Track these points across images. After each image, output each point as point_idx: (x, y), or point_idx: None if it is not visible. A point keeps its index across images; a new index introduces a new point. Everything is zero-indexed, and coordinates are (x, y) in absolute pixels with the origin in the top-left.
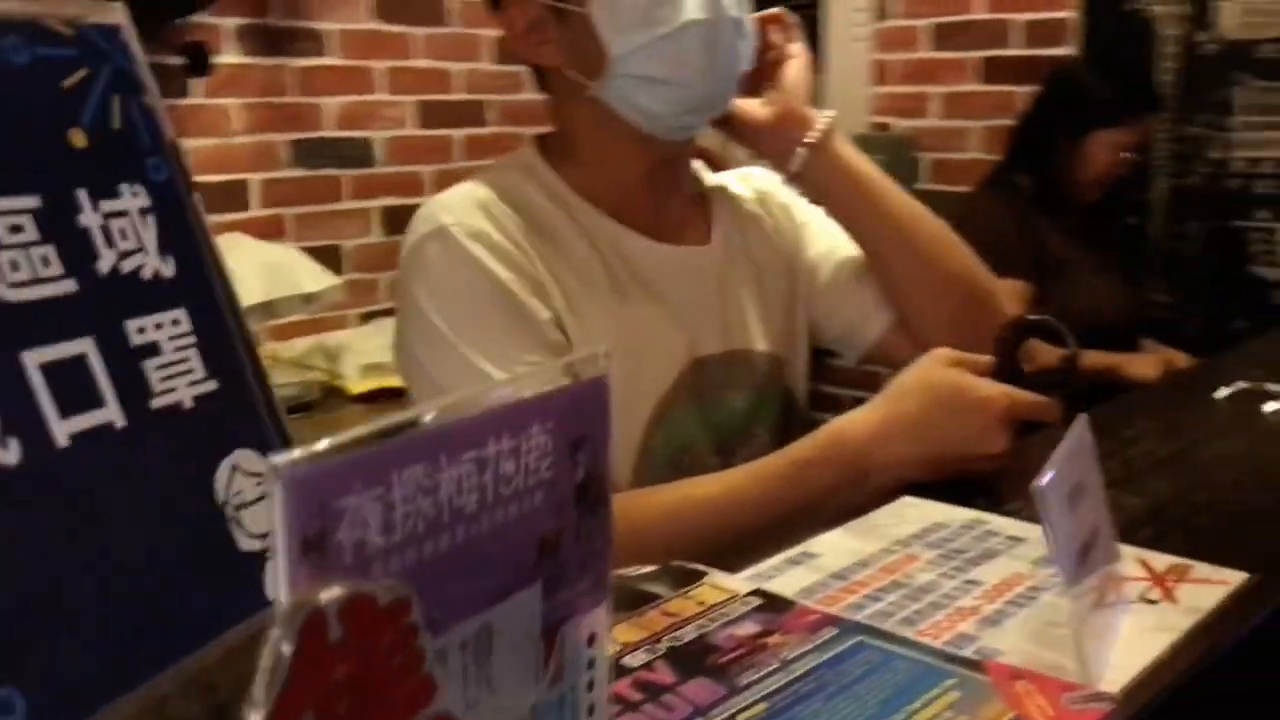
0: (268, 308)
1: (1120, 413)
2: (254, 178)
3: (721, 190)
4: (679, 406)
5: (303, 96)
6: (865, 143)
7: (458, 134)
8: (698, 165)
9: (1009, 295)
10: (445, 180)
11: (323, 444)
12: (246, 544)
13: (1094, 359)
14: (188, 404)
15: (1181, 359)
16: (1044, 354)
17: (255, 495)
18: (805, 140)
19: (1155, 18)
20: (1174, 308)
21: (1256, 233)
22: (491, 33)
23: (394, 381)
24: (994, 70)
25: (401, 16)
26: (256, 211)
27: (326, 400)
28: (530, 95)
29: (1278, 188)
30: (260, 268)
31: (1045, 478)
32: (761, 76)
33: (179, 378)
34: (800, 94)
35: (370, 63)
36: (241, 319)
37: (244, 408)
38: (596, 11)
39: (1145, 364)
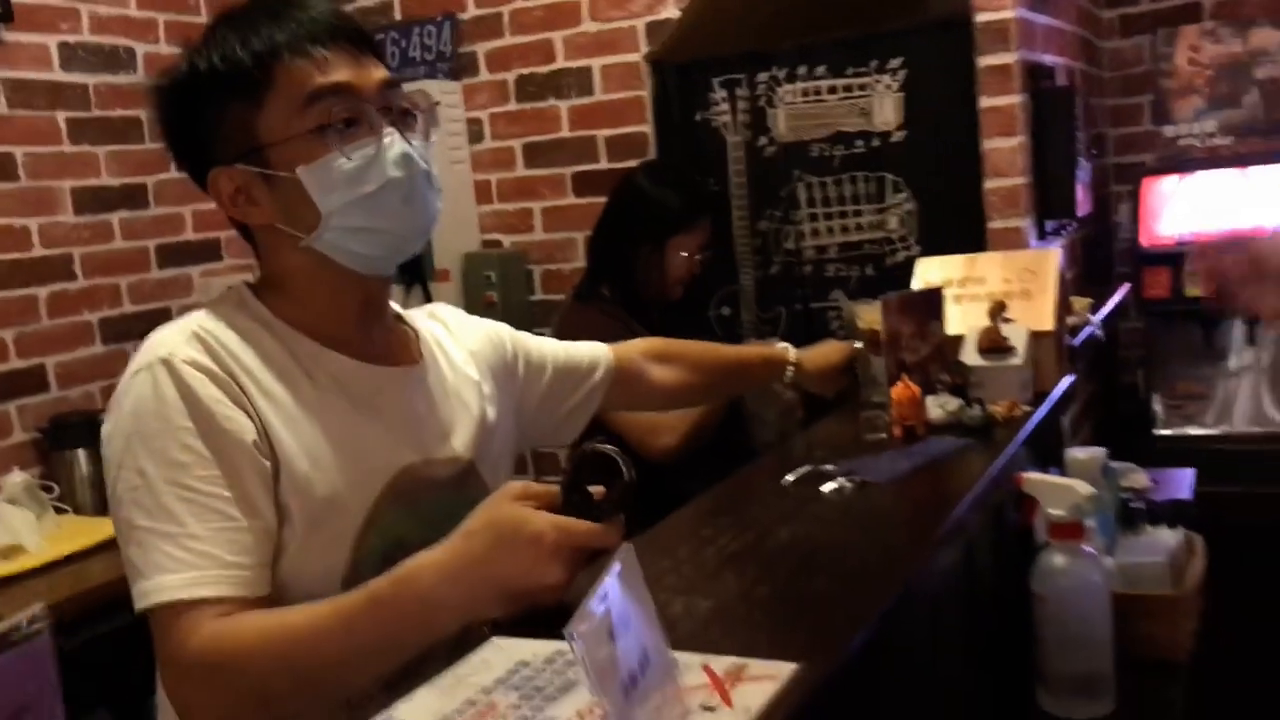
0: None
1: (700, 513)
2: None
3: (420, 321)
4: (390, 510)
5: None
6: (480, 260)
7: (42, 291)
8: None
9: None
10: (27, 343)
11: None
12: None
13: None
14: None
15: None
16: None
17: None
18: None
19: (721, 126)
20: None
21: (832, 311)
22: (69, 183)
23: None
24: (584, 184)
25: None
26: None
27: None
28: (121, 244)
29: (845, 270)
30: None
31: (576, 623)
32: None
33: None
34: None
35: None
36: None
37: None
38: (307, 177)
39: None
